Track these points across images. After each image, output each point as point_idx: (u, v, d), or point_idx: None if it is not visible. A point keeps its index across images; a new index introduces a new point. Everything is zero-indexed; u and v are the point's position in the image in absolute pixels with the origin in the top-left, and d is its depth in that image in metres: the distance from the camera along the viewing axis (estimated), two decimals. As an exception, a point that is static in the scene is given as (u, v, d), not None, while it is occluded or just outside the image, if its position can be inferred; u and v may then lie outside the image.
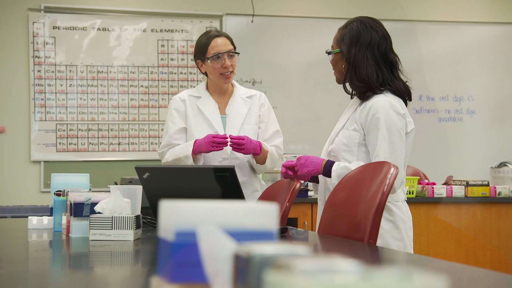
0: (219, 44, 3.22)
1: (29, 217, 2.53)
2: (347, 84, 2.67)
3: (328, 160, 2.59)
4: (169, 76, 5.98)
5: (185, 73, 6.01)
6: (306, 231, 2.57)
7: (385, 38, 2.63)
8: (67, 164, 5.71)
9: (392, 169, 2.16)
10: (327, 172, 2.56)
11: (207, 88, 3.35)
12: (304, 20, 6.24)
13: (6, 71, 5.73)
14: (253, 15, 6.12)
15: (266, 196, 3.08)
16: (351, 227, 2.19)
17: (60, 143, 5.73)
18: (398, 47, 2.74)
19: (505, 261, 4.62)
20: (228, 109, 3.31)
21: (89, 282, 1.43)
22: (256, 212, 0.80)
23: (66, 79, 5.78)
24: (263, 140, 3.30)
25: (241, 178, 3.23)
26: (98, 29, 5.86)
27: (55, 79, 5.75)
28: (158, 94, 5.95)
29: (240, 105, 3.31)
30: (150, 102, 5.93)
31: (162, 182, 2.20)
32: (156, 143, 5.88)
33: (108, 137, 5.83)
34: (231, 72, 3.24)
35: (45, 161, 5.71)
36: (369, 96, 2.58)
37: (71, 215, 2.20)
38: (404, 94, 2.63)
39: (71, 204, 2.21)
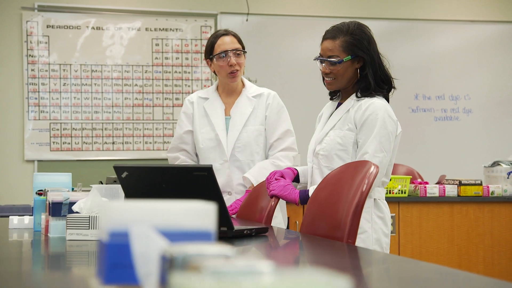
0: (225, 42, 3.24)
1: (10, 217, 2.52)
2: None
3: (300, 191, 2.64)
4: (164, 75, 5.97)
5: (179, 72, 6.00)
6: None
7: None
8: (61, 163, 5.70)
9: (372, 168, 2.16)
10: (305, 200, 2.60)
11: (217, 88, 3.36)
12: (299, 19, 6.22)
13: (0, 70, 5.72)
14: (248, 13, 6.11)
15: (254, 194, 3.07)
16: (331, 227, 2.19)
17: (54, 142, 5.72)
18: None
19: (498, 260, 4.60)
20: (233, 110, 3.31)
21: (65, 283, 1.41)
22: (194, 212, 0.79)
23: (60, 78, 5.76)
24: (271, 142, 3.30)
25: (241, 180, 3.25)
26: (92, 28, 5.85)
27: (49, 78, 5.74)
28: (153, 93, 5.94)
29: (245, 106, 3.31)
30: (145, 101, 5.92)
31: (141, 182, 2.19)
32: (150, 142, 5.87)
33: (102, 136, 5.82)
34: (237, 70, 3.24)
35: (38, 160, 5.70)
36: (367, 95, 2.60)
37: (49, 214, 2.19)
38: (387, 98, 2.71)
39: (49, 203, 2.20)
